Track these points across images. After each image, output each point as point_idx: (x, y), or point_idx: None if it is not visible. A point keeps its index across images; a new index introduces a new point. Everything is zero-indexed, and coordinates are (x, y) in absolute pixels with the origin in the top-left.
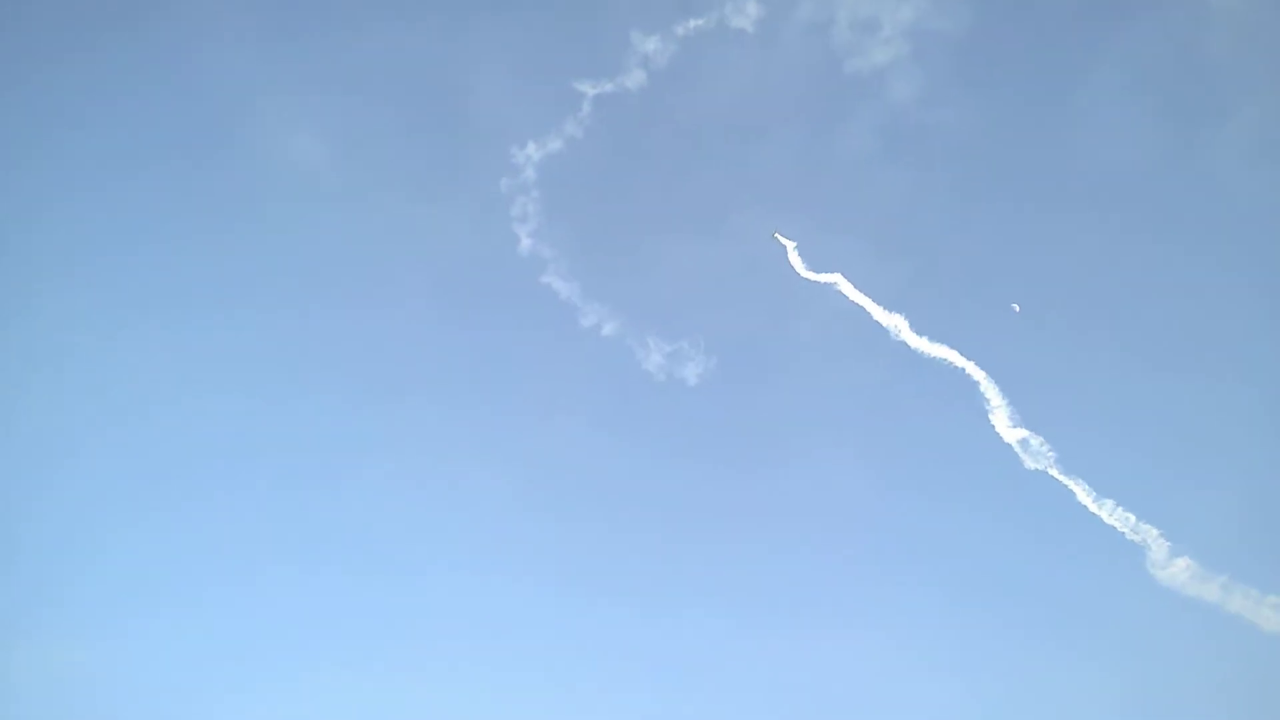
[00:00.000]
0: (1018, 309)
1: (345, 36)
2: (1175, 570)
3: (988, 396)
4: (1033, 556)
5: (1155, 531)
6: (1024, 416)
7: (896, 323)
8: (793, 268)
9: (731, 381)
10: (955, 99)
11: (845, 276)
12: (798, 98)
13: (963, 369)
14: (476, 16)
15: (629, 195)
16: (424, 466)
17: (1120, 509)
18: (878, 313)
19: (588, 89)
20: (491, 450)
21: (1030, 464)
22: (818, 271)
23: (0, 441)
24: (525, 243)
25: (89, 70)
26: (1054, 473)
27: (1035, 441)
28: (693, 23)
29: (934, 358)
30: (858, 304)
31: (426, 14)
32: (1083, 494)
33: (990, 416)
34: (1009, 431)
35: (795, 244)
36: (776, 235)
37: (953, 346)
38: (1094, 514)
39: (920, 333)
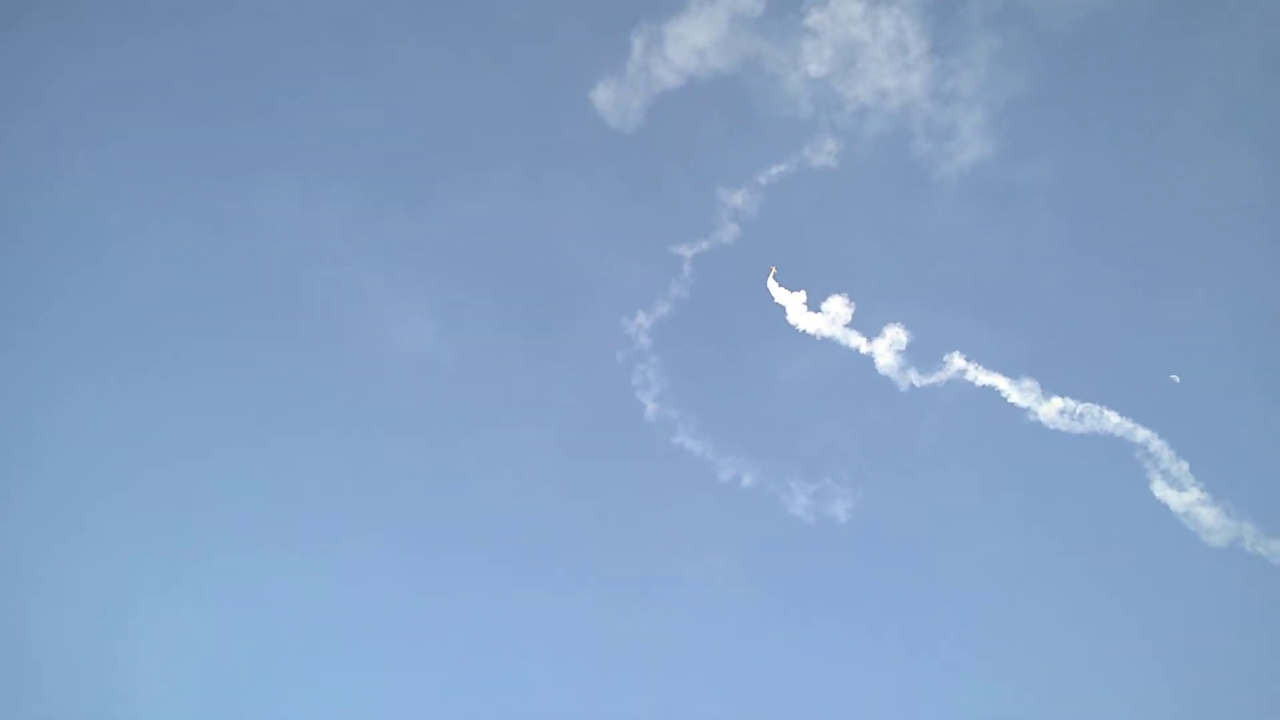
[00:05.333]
0: (1177, 380)
1: (443, 219)
2: None
3: (1155, 455)
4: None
5: None
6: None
7: (1030, 388)
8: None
9: (883, 510)
10: (1043, 151)
11: (963, 356)
12: (888, 206)
13: (1113, 430)
14: (564, 194)
15: (744, 342)
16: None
17: None
18: (1009, 390)
19: (685, 251)
20: (644, 608)
21: (1214, 540)
22: (935, 361)
23: None
24: (651, 408)
25: (195, 272)
26: (1248, 544)
27: (1210, 514)
28: (775, 169)
29: (1079, 430)
30: (988, 384)
31: (521, 201)
32: None
33: (1154, 485)
34: (1178, 498)
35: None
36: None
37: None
38: None
39: (1059, 395)
